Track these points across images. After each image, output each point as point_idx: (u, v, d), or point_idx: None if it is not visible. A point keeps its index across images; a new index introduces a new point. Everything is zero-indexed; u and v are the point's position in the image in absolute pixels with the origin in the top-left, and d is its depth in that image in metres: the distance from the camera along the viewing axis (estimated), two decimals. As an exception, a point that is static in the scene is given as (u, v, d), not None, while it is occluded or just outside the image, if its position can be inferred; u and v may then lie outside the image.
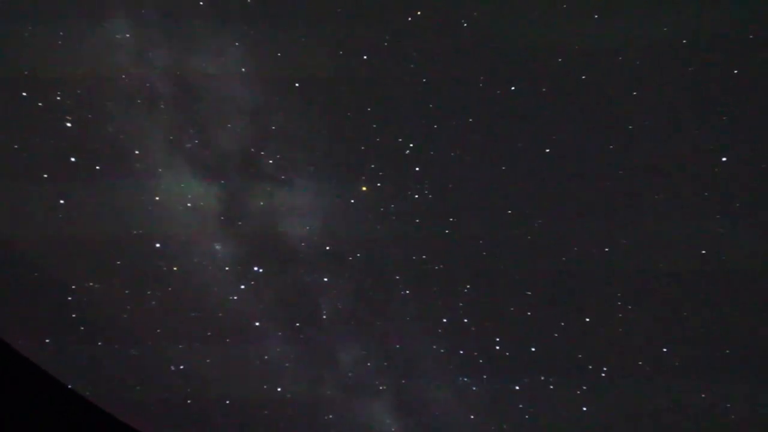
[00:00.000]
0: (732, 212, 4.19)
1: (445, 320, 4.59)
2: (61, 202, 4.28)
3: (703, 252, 4.26)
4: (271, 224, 4.73)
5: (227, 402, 4.11)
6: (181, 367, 4.24)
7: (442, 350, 4.59)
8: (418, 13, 4.28)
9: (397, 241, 4.72)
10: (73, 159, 4.17)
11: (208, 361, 4.10)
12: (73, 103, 4.01)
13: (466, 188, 4.64)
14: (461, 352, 4.60)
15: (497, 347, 4.53)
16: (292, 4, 4.42)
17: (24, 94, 3.79)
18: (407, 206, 4.68)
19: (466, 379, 4.60)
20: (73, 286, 3.97)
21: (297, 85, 4.66)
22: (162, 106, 4.39)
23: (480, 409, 4.66)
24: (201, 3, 4.15)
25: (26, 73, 3.71)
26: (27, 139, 3.94)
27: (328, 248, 4.76)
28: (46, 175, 4.09)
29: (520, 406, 4.68)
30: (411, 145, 4.66)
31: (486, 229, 4.54)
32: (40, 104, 3.81)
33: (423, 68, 4.47)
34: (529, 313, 4.57)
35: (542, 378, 4.62)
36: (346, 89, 4.70)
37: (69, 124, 4.04)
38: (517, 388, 4.61)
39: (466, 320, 4.60)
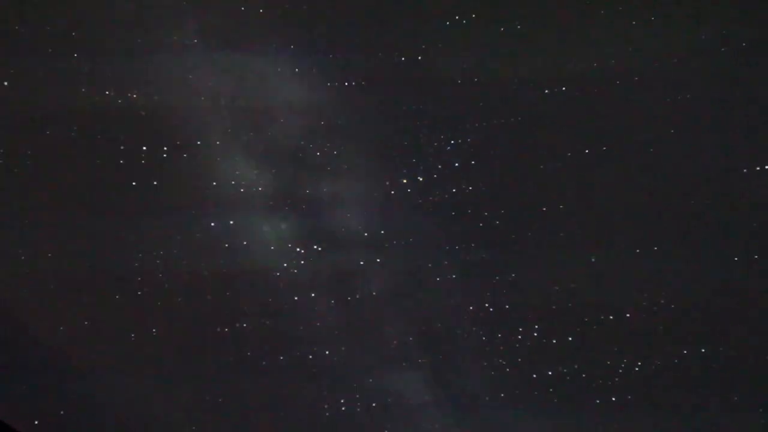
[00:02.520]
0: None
1: (486, 304, 4.84)
2: (134, 183, 4.73)
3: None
4: (316, 210, 5.05)
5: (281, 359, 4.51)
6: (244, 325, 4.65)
7: (481, 332, 4.84)
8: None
9: (440, 230, 4.99)
10: (144, 148, 4.63)
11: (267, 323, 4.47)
12: (146, 101, 4.52)
13: (509, 183, 4.89)
14: (499, 335, 4.82)
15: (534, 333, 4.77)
16: (345, 9, 4.81)
17: (107, 92, 4.33)
18: (451, 197, 4.95)
19: (502, 362, 4.83)
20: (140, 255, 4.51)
21: (346, 84, 5.01)
22: (222, 103, 4.79)
23: (511, 392, 4.87)
24: (261, 10, 4.59)
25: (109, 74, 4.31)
26: (108, 127, 4.44)
27: (366, 234, 5.05)
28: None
29: (551, 390, 4.87)
30: (452, 142, 4.95)
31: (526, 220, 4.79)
32: (119, 101, 4.35)
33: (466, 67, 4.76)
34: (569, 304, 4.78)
35: (576, 367, 4.83)
36: (392, 88, 5.04)
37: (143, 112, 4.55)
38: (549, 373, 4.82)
39: (507, 306, 4.83)
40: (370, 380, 4.86)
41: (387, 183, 5.09)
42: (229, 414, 4.88)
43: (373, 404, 4.89)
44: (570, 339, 4.77)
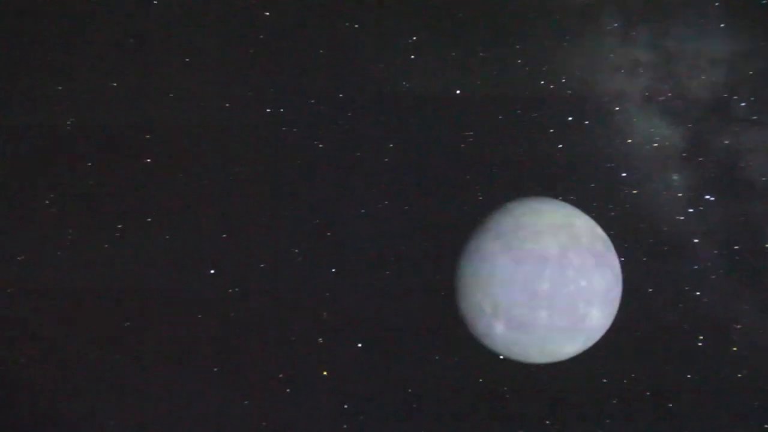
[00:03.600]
0: None
1: None
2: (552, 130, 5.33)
3: None
4: (732, 161, 5.09)
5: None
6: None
7: None
8: None
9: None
10: (569, 118, 5.20)
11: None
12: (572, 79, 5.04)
13: None
14: None
15: None
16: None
17: (541, 82, 4.97)
18: None
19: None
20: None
21: None
22: (641, 71, 5.00)
23: None
24: None
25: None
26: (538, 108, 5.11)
27: (769, 188, 4.94)
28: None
29: None
30: None
31: None
32: (551, 87, 5.00)
33: None
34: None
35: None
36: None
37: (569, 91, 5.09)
38: None
39: None
40: (738, 326, 5.02)
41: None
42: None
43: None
44: None
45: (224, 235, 4.96)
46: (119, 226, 5.02)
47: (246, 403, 5.09)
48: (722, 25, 4.83)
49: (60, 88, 4.98)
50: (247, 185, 5.04)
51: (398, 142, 4.93)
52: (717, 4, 4.77)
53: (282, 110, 4.97)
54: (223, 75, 4.97)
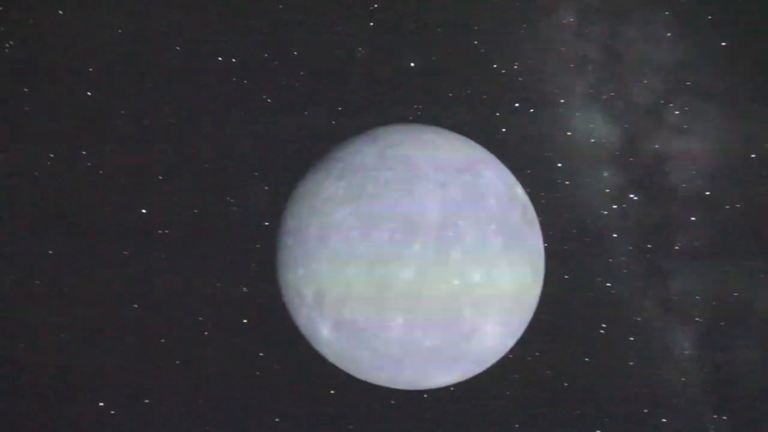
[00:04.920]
0: None
1: None
2: (498, 113, 5.42)
3: None
4: (659, 165, 5.34)
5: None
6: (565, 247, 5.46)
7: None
8: None
9: None
10: (516, 105, 5.31)
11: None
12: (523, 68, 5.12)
13: None
14: None
15: None
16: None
17: (494, 66, 5.04)
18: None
19: None
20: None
21: (723, 44, 4.88)
22: (589, 68, 5.13)
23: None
24: None
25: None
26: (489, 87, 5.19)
27: (708, 193, 5.24)
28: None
29: None
30: None
31: None
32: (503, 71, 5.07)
33: None
34: None
35: None
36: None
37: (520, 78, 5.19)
38: None
39: None
40: (638, 318, 5.33)
41: (739, 148, 5.09)
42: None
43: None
44: None
45: (160, 177, 4.96)
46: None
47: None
48: (668, 35, 4.98)
49: None
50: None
51: (346, 107, 4.95)
52: (666, 13, 4.91)
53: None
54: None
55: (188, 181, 5.17)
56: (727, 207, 5.18)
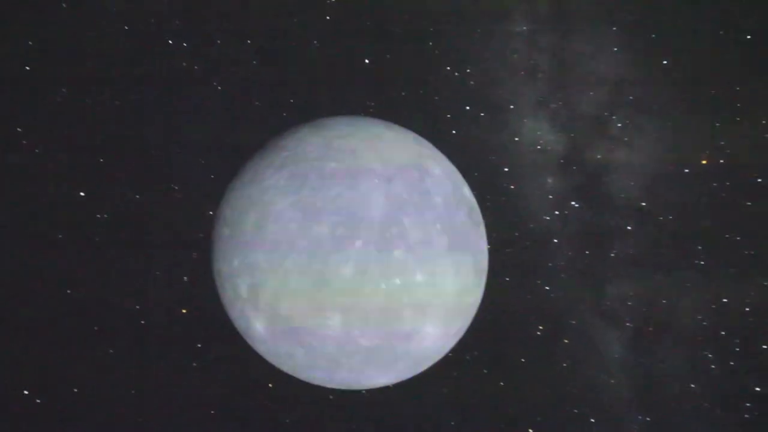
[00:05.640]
0: None
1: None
2: (449, 115, 5.48)
3: None
4: (599, 175, 5.48)
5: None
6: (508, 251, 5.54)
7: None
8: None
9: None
10: (468, 108, 5.35)
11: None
12: (476, 72, 5.16)
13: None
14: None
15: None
16: None
17: (448, 68, 5.07)
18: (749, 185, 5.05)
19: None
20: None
21: (665, 62, 5.05)
22: (539, 76, 5.22)
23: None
24: None
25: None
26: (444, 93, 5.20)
27: (644, 204, 5.40)
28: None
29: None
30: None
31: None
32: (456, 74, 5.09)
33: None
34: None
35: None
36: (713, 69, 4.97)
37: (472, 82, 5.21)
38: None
39: None
40: (573, 322, 5.48)
41: (675, 161, 5.28)
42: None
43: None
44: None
45: (101, 159, 4.76)
46: None
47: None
48: (615, 49, 5.11)
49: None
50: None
51: (297, 99, 4.87)
52: (614, 29, 5.03)
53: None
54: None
55: (131, 165, 4.98)
56: (661, 218, 5.36)
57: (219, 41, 4.75)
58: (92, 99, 4.77)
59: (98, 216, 4.93)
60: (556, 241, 5.45)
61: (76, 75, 4.72)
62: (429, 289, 2.79)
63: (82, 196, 4.89)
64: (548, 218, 5.47)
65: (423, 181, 3.03)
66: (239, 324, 3.10)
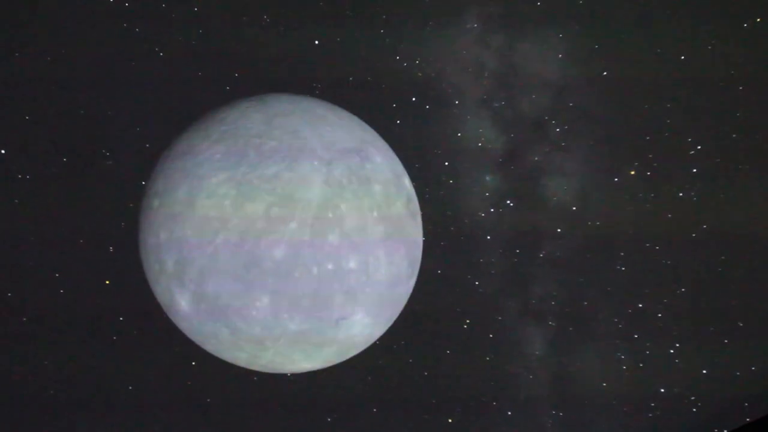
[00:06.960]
0: None
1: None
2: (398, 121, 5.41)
3: None
4: (536, 176, 5.57)
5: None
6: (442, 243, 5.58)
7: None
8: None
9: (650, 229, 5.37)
10: (413, 99, 5.31)
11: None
12: (424, 64, 5.12)
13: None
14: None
15: None
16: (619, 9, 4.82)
17: (397, 57, 5.00)
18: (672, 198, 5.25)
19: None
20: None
21: (605, 73, 5.16)
22: (486, 75, 5.24)
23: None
24: (539, 3, 4.80)
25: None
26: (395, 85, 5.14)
27: (575, 208, 5.54)
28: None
29: None
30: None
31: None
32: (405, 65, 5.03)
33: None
34: None
35: None
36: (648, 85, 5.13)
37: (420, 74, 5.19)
38: None
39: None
40: (499, 318, 5.64)
41: (606, 169, 5.43)
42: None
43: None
44: None
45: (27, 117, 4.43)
46: None
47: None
48: (559, 56, 5.19)
49: None
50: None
51: (242, 75, 4.69)
52: (560, 36, 5.10)
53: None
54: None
55: (61, 126, 4.67)
56: (589, 223, 5.51)
57: (164, 4, 4.51)
58: (26, 56, 4.44)
59: (19, 176, 4.61)
60: (489, 237, 5.53)
61: (10, 33, 4.38)
62: (361, 277, 2.73)
63: (2, 153, 4.56)
64: (483, 215, 5.53)
65: (363, 168, 2.96)
66: (163, 299, 2.92)
